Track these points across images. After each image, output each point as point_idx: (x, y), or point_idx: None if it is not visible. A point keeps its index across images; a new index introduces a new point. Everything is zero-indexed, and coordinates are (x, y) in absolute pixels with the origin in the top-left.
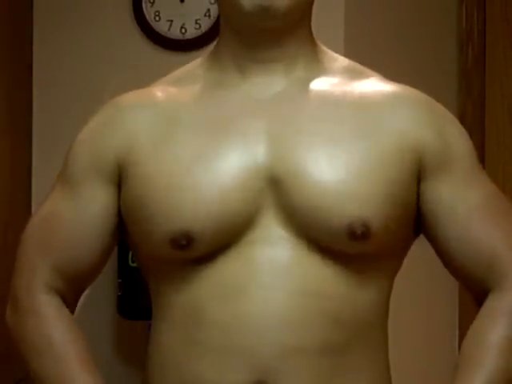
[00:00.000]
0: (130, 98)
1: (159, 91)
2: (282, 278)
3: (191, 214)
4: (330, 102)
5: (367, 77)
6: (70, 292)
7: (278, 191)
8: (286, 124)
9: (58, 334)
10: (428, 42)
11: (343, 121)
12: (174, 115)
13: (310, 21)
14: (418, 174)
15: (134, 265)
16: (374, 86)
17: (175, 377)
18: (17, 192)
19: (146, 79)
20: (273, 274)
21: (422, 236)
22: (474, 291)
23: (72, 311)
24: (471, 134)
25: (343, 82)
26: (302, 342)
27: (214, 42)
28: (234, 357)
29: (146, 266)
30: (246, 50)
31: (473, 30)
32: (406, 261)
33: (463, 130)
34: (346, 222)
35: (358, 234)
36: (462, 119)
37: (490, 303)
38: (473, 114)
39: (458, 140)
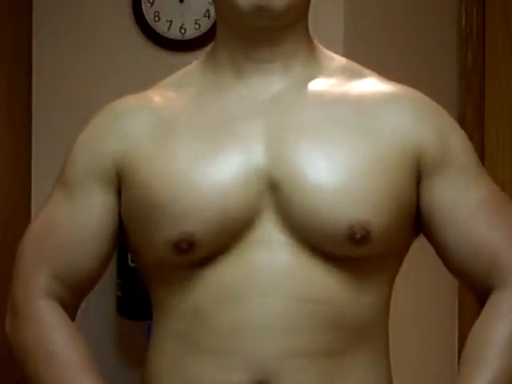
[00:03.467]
0: (127, 102)
1: (156, 95)
2: (280, 282)
3: (191, 219)
4: (329, 102)
5: (365, 76)
6: (70, 299)
7: (277, 194)
8: (284, 125)
9: (58, 340)
10: (428, 42)
11: (342, 121)
12: (171, 118)
13: (306, 20)
14: (418, 174)
15: (134, 265)
16: (373, 85)
17: (174, 379)
18: (17, 192)
19: (145, 79)
20: (272, 278)
21: (421, 236)
22: (475, 290)
23: (73, 318)
24: (471, 134)
25: (341, 82)
26: (301, 346)
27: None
28: (233, 359)
29: (145, 270)
30: (242, 50)
31: (472, 29)
32: (405, 261)
33: (461, 130)
34: (345, 225)
35: (358, 237)
36: (462, 119)
37: (493, 302)
38: (473, 114)
39: (457, 139)
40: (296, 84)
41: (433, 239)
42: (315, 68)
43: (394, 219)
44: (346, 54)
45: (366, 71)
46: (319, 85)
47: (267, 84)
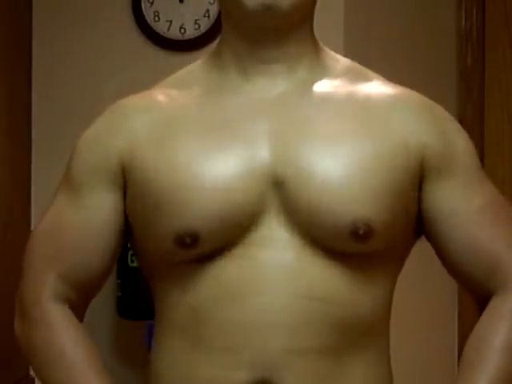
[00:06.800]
0: (132, 101)
1: (160, 94)
2: (284, 280)
3: (194, 213)
4: (333, 102)
5: (370, 79)
6: (78, 299)
7: (281, 192)
8: (288, 125)
9: (68, 343)
10: (427, 43)
11: (346, 122)
12: (175, 117)
13: (312, 21)
14: (421, 175)
15: (134, 265)
16: (377, 88)
17: (178, 377)
18: (16, 192)
19: (145, 79)
20: (275, 276)
21: (421, 237)
22: (475, 293)
23: (80, 319)
24: (470, 135)
25: (346, 84)
26: (304, 344)
27: (214, 43)
28: (236, 357)
29: (148, 267)
30: (248, 50)
31: (472, 30)
32: (406, 261)
33: (465, 132)
34: (349, 221)
35: (361, 232)
36: (462, 119)
37: (493, 306)
38: (472, 114)
39: (460, 143)
40: (301, 84)
41: (434, 242)
42: (320, 69)
43: (396, 217)
44: (346, 55)
45: (371, 73)
46: (324, 86)
47: (272, 84)
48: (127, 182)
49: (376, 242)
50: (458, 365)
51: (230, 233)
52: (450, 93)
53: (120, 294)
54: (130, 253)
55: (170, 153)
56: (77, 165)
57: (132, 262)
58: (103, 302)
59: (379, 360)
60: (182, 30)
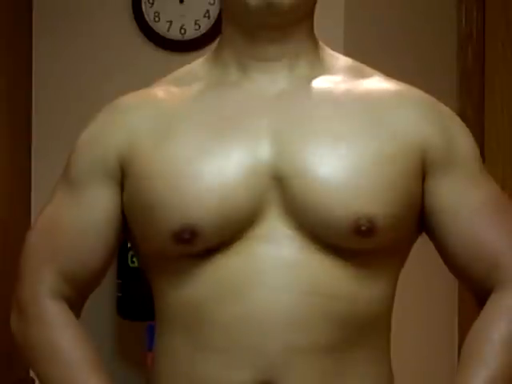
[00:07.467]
0: (131, 98)
1: (160, 91)
2: (285, 276)
3: (194, 209)
4: (334, 99)
5: (370, 76)
6: (75, 296)
7: (282, 189)
8: (289, 122)
9: (65, 340)
10: (428, 43)
11: (347, 118)
12: (175, 114)
13: (312, 19)
14: (423, 171)
15: (134, 265)
16: (378, 84)
17: (180, 377)
18: (17, 192)
19: (145, 80)
20: (276, 272)
21: (421, 235)
22: (475, 290)
23: (77, 316)
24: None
25: (346, 81)
26: (306, 341)
27: (214, 43)
28: (238, 356)
29: (148, 265)
30: (248, 48)
31: (472, 30)
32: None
33: (467, 129)
34: (351, 218)
35: (364, 229)
36: (462, 119)
37: (493, 302)
38: (472, 115)
39: (463, 139)
40: (301, 82)
41: (434, 237)
42: (320, 66)
43: (399, 213)
44: (347, 54)
45: (371, 71)
46: (324, 82)
47: (272, 81)
48: (125, 178)
49: (379, 238)
50: (458, 362)
51: (230, 229)
52: (450, 93)
53: (120, 294)
54: (130, 253)
55: (169, 149)
56: (75, 162)
57: (132, 262)
58: (103, 302)
59: (380, 359)
60: (182, 31)
